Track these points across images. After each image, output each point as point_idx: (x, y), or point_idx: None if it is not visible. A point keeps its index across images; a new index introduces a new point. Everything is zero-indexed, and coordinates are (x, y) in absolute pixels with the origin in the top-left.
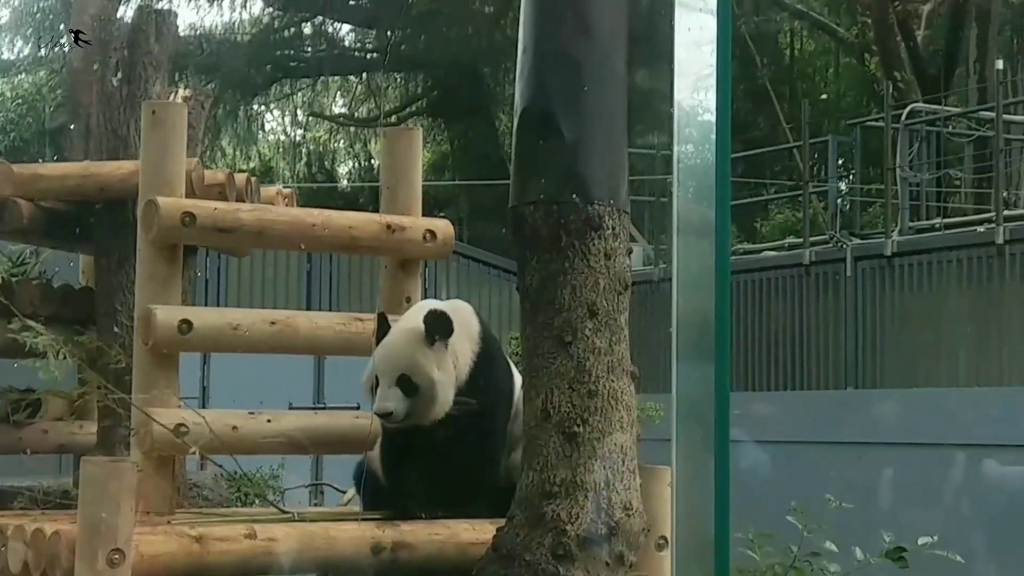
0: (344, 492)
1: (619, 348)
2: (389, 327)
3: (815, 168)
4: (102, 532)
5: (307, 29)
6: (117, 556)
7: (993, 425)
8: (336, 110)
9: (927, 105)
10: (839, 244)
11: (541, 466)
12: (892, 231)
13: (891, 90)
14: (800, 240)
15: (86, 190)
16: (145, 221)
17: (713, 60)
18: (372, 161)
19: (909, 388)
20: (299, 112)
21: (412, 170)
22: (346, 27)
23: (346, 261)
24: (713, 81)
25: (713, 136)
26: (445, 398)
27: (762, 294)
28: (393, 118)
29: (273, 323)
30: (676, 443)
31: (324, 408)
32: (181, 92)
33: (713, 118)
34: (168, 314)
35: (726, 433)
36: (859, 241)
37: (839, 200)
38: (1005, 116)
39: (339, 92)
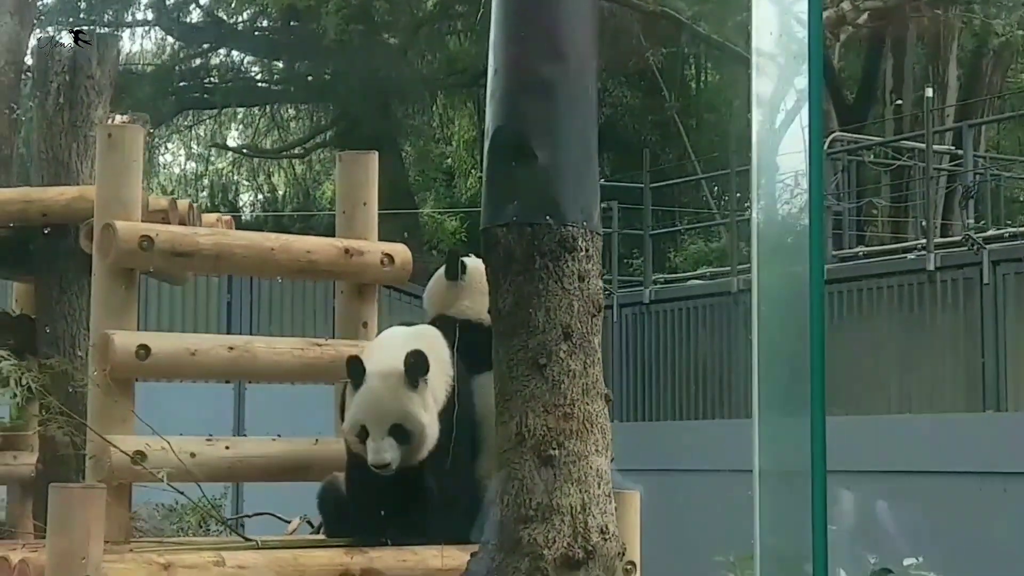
0: (288, 521)
1: (593, 370)
2: (363, 370)
3: (722, 198)
4: (72, 560)
5: (214, 60)
6: None
7: (924, 451)
8: (239, 141)
9: (848, 134)
10: None
11: (516, 490)
12: None
13: None
14: (727, 269)
15: (28, 216)
16: (102, 245)
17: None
18: (276, 192)
19: (839, 415)
20: (201, 143)
21: (368, 194)
22: (250, 58)
23: (267, 291)
24: (796, 95)
25: (795, 152)
26: (432, 437)
27: (690, 323)
28: (298, 149)
29: (231, 348)
30: (759, 469)
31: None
32: (120, 117)
33: (797, 129)
34: (126, 339)
35: (822, 454)
36: None
37: None
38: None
39: (242, 123)
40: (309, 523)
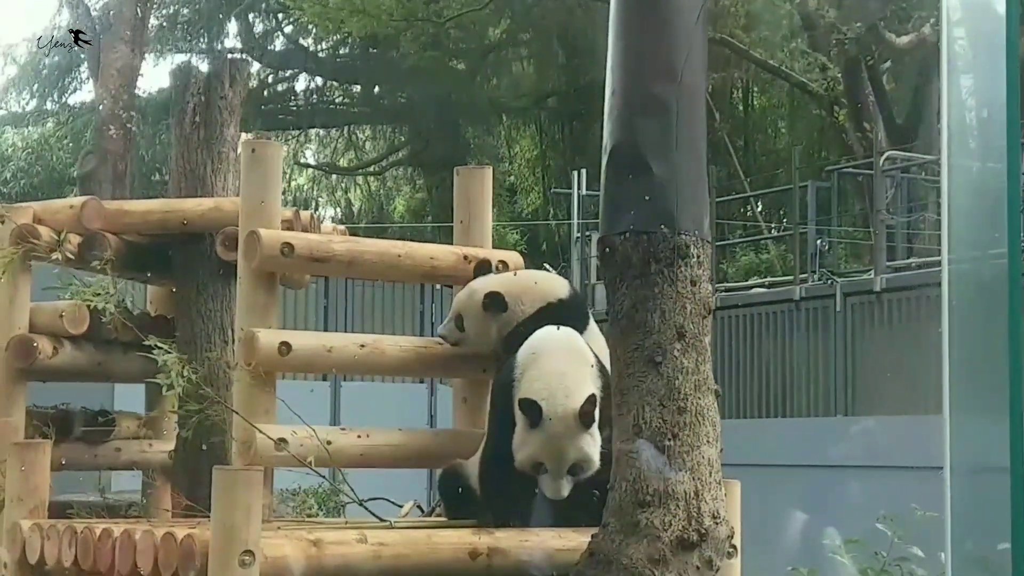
0: (401, 506)
1: (704, 368)
2: (540, 411)
3: (775, 214)
4: (234, 535)
5: (297, 85)
6: (248, 557)
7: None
8: (318, 160)
9: (901, 152)
10: (828, 281)
11: (634, 477)
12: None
13: (876, 138)
14: (790, 277)
15: (168, 225)
16: (247, 251)
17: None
18: (352, 207)
19: (898, 415)
20: (283, 162)
21: (483, 206)
22: (331, 82)
23: (359, 296)
24: (987, 94)
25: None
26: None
27: (753, 328)
28: (374, 167)
29: (363, 346)
30: (950, 466)
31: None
32: (245, 136)
33: (988, 126)
34: (269, 337)
35: (1021, 450)
36: (845, 279)
37: (819, 241)
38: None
39: (321, 143)
40: (419, 508)
